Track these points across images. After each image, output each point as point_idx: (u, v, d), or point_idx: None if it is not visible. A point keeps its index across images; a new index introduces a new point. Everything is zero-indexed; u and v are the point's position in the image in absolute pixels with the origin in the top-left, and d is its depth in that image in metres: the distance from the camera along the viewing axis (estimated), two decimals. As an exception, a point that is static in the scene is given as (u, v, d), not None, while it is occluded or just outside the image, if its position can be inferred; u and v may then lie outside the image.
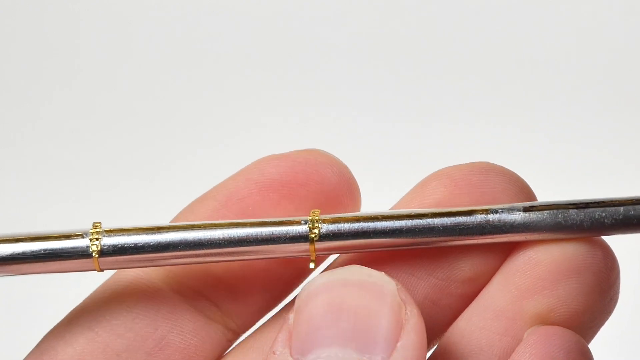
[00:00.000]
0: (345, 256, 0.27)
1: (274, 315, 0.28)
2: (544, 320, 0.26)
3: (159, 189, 0.68)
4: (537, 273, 0.26)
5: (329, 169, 0.27)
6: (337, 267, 0.26)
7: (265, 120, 0.71)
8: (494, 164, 0.27)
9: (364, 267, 0.24)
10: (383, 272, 0.24)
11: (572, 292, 0.25)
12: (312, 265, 0.26)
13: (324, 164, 0.27)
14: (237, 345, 0.28)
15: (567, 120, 0.70)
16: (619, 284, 0.26)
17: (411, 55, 0.73)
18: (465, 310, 0.27)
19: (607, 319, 0.27)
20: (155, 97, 0.74)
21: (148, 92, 0.74)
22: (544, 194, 0.28)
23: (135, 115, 0.73)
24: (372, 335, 0.22)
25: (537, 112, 0.71)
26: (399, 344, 0.22)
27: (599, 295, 0.25)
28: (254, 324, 0.28)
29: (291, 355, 0.22)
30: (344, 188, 0.27)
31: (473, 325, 0.27)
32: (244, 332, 0.28)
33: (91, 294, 0.28)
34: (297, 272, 0.28)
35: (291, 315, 0.23)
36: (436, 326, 0.27)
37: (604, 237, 0.26)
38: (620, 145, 0.69)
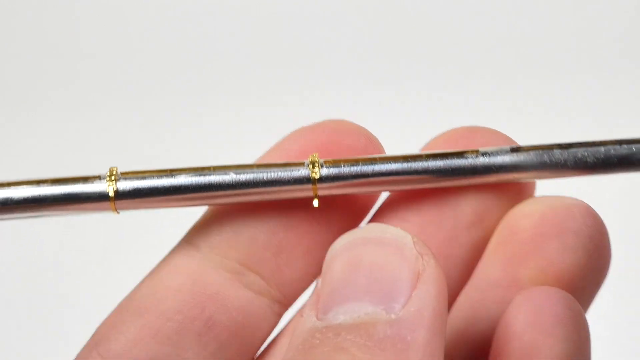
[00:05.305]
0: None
1: None
2: (538, 283, 0.26)
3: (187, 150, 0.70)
4: (520, 239, 0.27)
5: (356, 135, 0.28)
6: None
7: (295, 94, 0.74)
8: (478, 126, 0.29)
9: (382, 224, 0.24)
10: (399, 227, 0.24)
11: (556, 252, 0.26)
12: (315, 203, 0.27)
13: (352, 130, 0.28)
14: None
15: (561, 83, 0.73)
16: (603, 242, 0.27)
17: (417, 33, 0.76)
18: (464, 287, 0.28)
19: (602, 278, 0.27)
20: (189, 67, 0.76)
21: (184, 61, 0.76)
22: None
23: (171, 74, 0.76)
24: (388, 287, 0.22)
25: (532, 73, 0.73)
26: (414, 293, 0.22)
27: (583, 252, 0.26)
28: (300, 293, 0.29)
29: (316, 317, 0.23)
30: (374, 151, 0.28)
31: (471, 299, 0.28)
32: (291, 303, 0.29)
33: (140, 282, 0.28)
34: (339, 232, 0.27)
35: (320, 279, 0.24)
36: (452, 280, 0.28)
37: (586, 202, 0.27)
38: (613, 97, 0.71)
